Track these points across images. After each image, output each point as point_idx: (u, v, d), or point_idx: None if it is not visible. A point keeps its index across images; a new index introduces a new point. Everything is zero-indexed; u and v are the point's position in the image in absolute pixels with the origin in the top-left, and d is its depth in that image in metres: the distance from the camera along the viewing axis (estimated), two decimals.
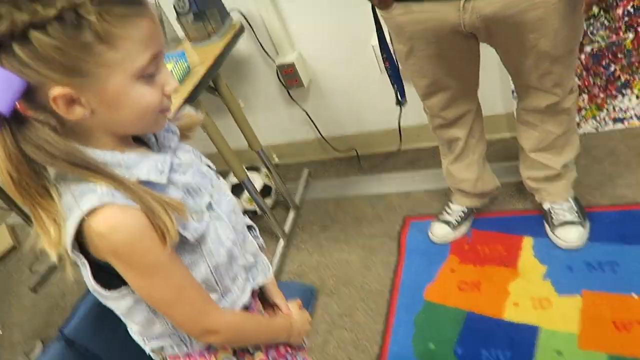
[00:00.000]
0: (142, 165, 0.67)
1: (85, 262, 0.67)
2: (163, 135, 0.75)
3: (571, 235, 1.53)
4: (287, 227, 2.03)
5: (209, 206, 0.76)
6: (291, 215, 2.09)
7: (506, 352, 1.35)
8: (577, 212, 1.56)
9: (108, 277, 0.69)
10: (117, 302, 0.74)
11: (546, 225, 1.60)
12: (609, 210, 1.61)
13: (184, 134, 0.80)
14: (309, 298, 1.69)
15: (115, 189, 0.63)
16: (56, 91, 0.58)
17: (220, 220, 0.77)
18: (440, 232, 1.71)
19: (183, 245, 0.71)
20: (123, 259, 0.65)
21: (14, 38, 0.55)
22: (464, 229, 1.71)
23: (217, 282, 0.78)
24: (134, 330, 0.82)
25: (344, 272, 1.78)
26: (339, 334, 1.58)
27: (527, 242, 1.60)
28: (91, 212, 0.61)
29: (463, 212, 1.71)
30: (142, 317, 0.76)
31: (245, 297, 0.84)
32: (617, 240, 1.50)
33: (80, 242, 0.64)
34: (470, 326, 1.44)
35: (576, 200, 1.60)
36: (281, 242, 1.96)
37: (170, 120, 0.78)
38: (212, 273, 0.76)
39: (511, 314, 1.43)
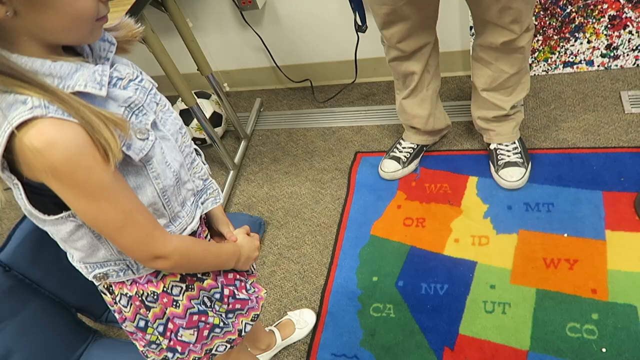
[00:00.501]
0: (77, 76, 0.61)
1: (18, 183, 0.62)
2: (99, 46, 0.68)
3: (513, 176, 1.59)
4: (237, 157, 1.99)
5: (154, 125, 0.71)
6: (242, 145, 2.04)
7: (444, 285, 1.42)
8: (520, 154, 1.61)
9: (45, 200, 0.65)
10: (56, 226, 0.70)
11: (491, 165, 1.65)
12: (550, 152, 1.67)
13: (122, 47, 0.73)
14: (257, 230, 1.69)
15: (49, 101, 0.57)
16: None
17: (166, 140, 0.73)
18: (389, 168, 1.73)
19: (127, 167, 0.68)
20: (63, 179, 0.61)
21: None
22: (412, 166, 1.74)
23: (164, 206, 0.75)
24: (75, 257, 0.79)
25: (293, 205, 1.79)
26: (286, 266, 1.61)
27: (472, 181, 1.65)
28: (22, 126, 0.56)
29: (413, 149, 1.73)
30: (84, 242, 0.73)
31: (194, 223, 0.82)
32: (555, 182, 1.57)
33: (11, 161, 0.59)
34: (412, 260, 1.50)
35: (521, 141, 1.65)
36: (231, 173, 1.92)
37: (107, 30, 0.71)
38: (159, 196, 0.73)
39: (451, 249, 1.49)
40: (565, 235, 1.44)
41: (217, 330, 0.92)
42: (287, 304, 1.51)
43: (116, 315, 0.89)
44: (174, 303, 0.85)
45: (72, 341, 1.42)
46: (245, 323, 0.97)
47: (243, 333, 0.97)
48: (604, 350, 1.20)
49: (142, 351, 0.95)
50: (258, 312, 0.99)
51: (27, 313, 1.31)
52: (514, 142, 1.63)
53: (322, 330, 1.42)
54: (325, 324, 1.43)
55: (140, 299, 0.83)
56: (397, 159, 1.73)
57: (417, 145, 1.74)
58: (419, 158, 1.75)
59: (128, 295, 0.83)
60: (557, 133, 1.73)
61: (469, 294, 1.38)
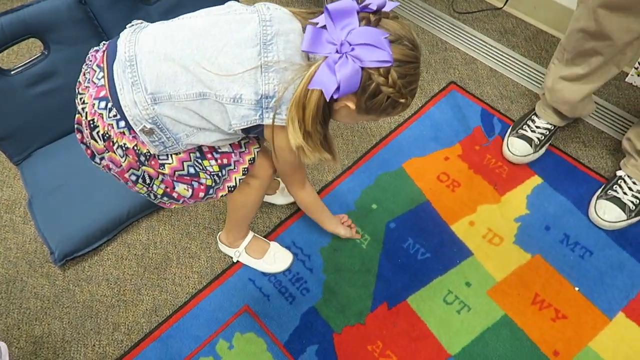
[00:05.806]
0: None
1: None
2: None
3: (606, 213, 1.34)
4: None
5: None
6: None
7: (427, 253, 1.35)
8: (639, 200, 1.34)
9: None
10: (210, 132, 0.92)
11: (599, 189, 1.41)
12: None
13: None
14: None
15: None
16: None
17: None
18: (520, 150, 1.46)
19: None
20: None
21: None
22: (543, 150, 1.50)
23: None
24: (138, 103, 0.87)
25: None
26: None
27: (533, 181, 1.46)
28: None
29: (549, 130, 1.47)
30: (190, 129, 0.89)
31: None
32: (617, 234, 1.36)
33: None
34: (419, 213, 1.42)
35: None
36: None
37: None
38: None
39: (460, 228, 1.39)
40: (577, 289, 1.28)
41: (211, 191, 0.99)
42: None
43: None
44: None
45: None
46: (238, 179, 1.01)
47: (233, 189, 1.02)
48: None
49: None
50: (246, 166, 1.01)
51: (81, 48, 1.41)
52: None
53: (298, 217, 1.43)
54: (304, 215, 1.43)
55: (136, 153, 0.92)
56: (529, 140, 1.46)
57: (554, 127, 1.47)
58: (550, 142, 1.50)
59: (125, 146, 0.90)
60: None
61: (442, 275, 1.31)
